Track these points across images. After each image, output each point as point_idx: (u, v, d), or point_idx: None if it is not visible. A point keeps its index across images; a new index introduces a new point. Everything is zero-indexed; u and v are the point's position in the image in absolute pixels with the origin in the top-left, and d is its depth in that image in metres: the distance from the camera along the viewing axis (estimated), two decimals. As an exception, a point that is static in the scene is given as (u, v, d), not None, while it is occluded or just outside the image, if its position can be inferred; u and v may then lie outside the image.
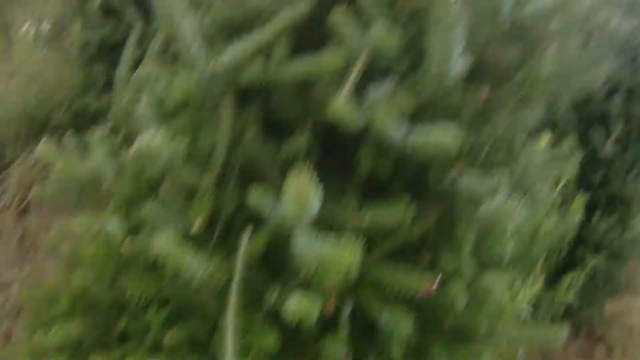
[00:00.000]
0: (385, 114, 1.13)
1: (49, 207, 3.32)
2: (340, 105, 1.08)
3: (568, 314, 4.56)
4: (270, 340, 1.12)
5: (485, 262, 1.56)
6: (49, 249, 1.89)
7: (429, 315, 1.35)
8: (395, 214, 1.26)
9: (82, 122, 3.33)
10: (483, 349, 1.80)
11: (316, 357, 1.18)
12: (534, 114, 1.60)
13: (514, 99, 1.44)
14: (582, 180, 4.35)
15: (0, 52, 4.55)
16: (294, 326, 1.14)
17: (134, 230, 1.34)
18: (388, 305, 1.20)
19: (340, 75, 1.16)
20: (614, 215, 4.33)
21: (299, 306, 1.00)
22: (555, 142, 3.79)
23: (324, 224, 1.11)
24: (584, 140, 4.35)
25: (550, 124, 4.23)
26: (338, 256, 0.96)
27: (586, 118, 4.40)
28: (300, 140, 1.26)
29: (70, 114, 3.71)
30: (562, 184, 3.70)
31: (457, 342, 1.62)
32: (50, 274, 2.95)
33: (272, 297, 1.10)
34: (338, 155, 1.35)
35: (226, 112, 1.30)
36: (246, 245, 1.19)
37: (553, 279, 4.25)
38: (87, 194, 1.64)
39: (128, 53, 1.74)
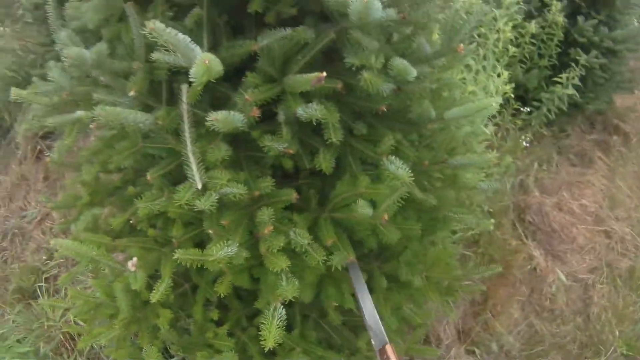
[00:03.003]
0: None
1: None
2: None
3: (577, 108, 4.85)
4: (222, 151, 1.44)
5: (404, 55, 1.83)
6: (58, 165, 2.26)
7: (356, 103, 1.66)
8: (302, 33, 1.53)
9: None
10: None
11: (263, 154, 1.51)
12: None
13: None
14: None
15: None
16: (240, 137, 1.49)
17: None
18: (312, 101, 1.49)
19: None
20: (601, 15, 4.47)
21: (221, 119, 1.30)
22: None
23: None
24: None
25: None
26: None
27: None
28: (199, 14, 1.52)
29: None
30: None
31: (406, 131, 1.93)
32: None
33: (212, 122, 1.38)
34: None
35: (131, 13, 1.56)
36: (186, 94, 1.48)
37: (550, 78, 4.52)
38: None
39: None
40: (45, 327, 3.06)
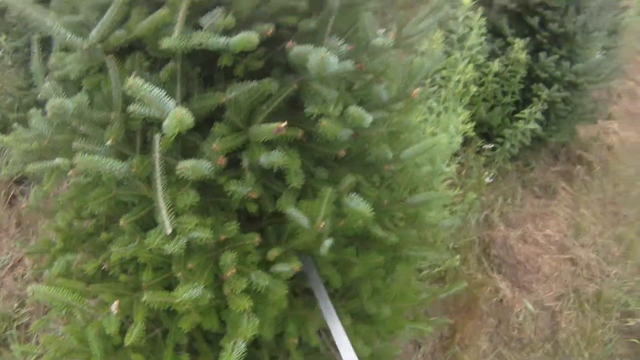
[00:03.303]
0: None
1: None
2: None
3: (540, 142, 5.03)
4: (191, 198, 1.53)
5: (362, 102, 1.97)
6: (32, 211, 2.32)
7: (316, 149, 1.77)
8: (267, 85, 1.65)
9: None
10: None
11: (229, 199, 1.61)
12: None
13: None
14: (519, 28, 4.69)
15: None
16: (208, 184, 1.58)
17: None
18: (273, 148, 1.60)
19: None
20: (562, 50, 4.67)
21: (189, 167, 1.39)
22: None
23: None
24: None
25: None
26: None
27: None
28: (173, 68, 1.64)
29: (24, 109, 4.08)
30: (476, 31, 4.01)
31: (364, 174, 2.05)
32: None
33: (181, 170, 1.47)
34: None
35: (112, 66, 1.66)
36: (158, 143, 1.57)
37: (514, 114, 4.71)
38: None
39: (36, 48, 2.04)
40: (17, 375, 3.04)
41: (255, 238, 1.63)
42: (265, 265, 1.66)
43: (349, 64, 1.66)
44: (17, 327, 3.30)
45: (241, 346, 1.51)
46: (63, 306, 1.79)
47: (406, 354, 3.09)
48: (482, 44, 4.19)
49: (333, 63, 1.52)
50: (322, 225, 1.60)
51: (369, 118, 1.71)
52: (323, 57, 1.48)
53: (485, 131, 4.78)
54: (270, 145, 1.60)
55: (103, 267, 1.94)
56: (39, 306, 3.34)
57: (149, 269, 1.77)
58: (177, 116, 1.29)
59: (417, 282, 2.56)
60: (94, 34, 1.62)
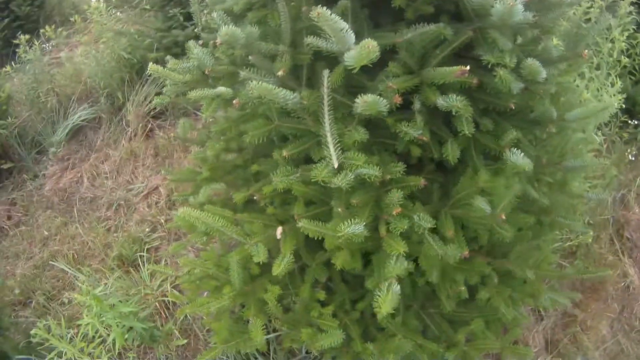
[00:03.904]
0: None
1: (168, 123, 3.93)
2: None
3: None
4: (360, 134, 1.52)
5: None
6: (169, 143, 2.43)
7: (485, 100, 1.70)
8: (442, 30, 1.60)
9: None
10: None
11: (394, 140, 1.58)
12: None
13: None
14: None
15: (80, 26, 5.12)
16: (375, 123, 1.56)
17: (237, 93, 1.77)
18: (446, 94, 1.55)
19: None
20: None
21: (369, 102, 1.37)
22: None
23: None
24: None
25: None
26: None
27: None
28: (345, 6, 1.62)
29: (162, 49, 4.25)
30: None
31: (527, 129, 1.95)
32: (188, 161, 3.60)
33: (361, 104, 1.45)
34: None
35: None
36: (328, 77, 1.56)
37: None
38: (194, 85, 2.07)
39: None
40: (143, 294, 3.25)
41: (420, 180, 1.59)
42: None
43: (529, 15, 1.58)
44: (148, 250, 3.52)
45: (396, 288, 1.50)
46: (207, 231, 1.84)
47: (527, 326, 2.99)
48: (632, 14, 3.85)
49: (519, 11, 1.45)
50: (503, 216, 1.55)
51: (543, 72, 1.62)
52: (511, 5, 1.41)
53: (629, 107, 4.41)
54: (441, 90, 1.56)
55: (254, 198, 1.99)
56: (170, 232, 3.54)
57: (300, 203, 1.79)
58: (367, 47, 1.26)
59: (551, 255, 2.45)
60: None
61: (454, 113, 1.52)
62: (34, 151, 4.64)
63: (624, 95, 3.36)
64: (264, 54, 1.73)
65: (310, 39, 1.46)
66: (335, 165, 1.47)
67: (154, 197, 3.77)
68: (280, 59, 1.69)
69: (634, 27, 4.01)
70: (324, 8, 1.28)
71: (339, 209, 1.61)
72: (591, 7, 3.35)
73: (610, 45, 3.37)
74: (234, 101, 1.75)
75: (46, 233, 3.93)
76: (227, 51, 1.99)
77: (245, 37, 1.62)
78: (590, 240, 3.12)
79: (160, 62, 3.16)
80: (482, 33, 1.62)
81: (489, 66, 1.60)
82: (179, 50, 4.14)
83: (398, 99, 1.48)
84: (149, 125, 4.30)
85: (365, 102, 1.38)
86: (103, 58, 4.55)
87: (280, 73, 1.61)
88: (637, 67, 4.20)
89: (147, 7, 4.54)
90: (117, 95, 4.49)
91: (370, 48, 1.26)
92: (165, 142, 4.04)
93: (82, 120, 4.65)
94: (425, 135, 1.57)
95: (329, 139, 1.50)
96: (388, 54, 1.62)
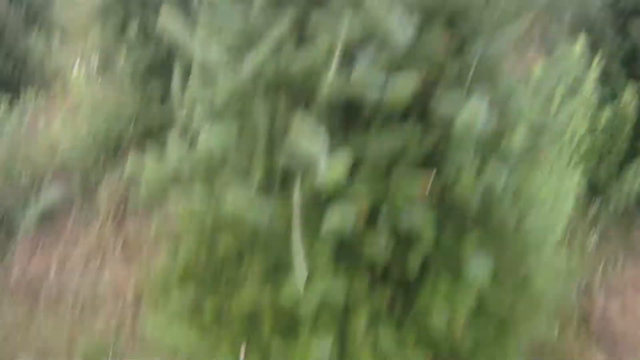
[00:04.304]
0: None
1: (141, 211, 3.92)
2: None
3: None
4: (326, 250, 1.57)
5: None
6: (154, 238, 2.42)
7: (451, 212, 1.76)
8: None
9: (151, 133, 3.87)
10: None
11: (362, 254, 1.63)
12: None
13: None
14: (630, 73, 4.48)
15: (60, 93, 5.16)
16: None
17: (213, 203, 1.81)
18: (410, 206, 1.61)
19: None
20: None
21: (338, 218, 1.43)
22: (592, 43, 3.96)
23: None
24: (624, 33, 4.49)
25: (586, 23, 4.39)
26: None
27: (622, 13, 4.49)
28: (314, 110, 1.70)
29: (139, 128, 4.28)
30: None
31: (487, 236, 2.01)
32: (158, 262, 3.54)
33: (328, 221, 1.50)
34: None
35: (260, 102, 1.75)
36: (298, 189, 1.62)
37: (618, 170, 4.43)
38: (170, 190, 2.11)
39: (177, 71, 2.16)
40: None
41: (385, 298, 1.63)
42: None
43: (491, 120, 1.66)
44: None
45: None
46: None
47: None
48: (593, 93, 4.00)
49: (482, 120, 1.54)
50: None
51: (503, 177, 1.71)
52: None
53: (594, 183, 4.49)
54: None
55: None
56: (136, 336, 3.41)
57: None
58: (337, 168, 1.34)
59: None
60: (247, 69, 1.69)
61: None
62: (3, 230, 4.51)
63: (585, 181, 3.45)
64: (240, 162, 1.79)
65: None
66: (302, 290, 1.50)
67: (122, 293, 3.67)
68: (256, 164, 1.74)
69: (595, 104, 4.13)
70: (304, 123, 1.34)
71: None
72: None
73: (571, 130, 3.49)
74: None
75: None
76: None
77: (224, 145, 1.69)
78: (555, 335, 3.15)
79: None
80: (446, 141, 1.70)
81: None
82: (158, 129, 4.11)
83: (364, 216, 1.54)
84: (121, 211, 4.28)
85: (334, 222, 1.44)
86: (79, 132, 4.58)
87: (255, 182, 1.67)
88: (598, 147, 4.30)
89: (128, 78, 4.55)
90: (91, 175, 4.49)
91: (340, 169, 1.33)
92: (136, 232, 4.01)
93: (54, 202, 4.58)
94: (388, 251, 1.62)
95: (298, 256, 1.54)
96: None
